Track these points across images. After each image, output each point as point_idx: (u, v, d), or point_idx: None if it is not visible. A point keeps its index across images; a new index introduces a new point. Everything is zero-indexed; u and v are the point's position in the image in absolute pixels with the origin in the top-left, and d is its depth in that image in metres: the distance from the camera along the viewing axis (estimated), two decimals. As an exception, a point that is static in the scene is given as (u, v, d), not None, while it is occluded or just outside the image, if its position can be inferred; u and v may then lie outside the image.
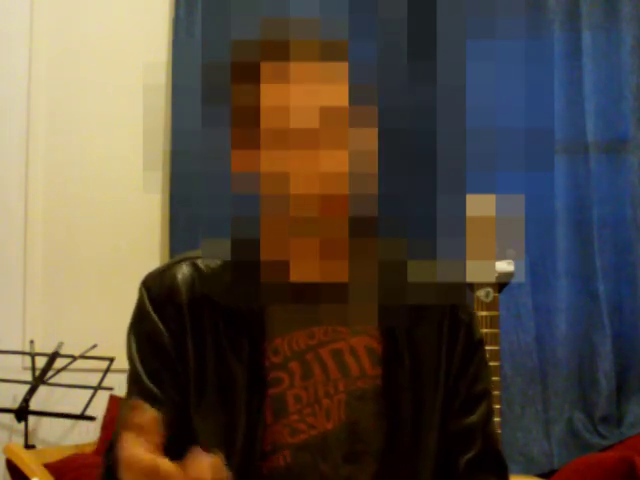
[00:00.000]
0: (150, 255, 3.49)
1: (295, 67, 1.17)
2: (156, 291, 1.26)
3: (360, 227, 1.18)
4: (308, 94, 1.17)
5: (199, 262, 1.28)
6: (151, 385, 1.23)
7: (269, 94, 1.17)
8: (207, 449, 1.00)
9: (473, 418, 1.27)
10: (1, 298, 3.56)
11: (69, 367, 3.26)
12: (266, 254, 1.20)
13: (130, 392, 1.25)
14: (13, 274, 3.56)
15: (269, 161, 1.16)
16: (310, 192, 1.15)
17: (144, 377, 1.23)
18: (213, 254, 1.28)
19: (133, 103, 3.01)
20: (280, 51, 1.16)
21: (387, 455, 1.22)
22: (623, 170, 3.18)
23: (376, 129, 1.20)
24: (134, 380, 1.24)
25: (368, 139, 1.18)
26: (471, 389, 1.28)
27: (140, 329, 1.26)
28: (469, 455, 1.27)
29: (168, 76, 3.36)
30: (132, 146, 2.98)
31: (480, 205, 2.05)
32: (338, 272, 1.21)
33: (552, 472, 2.99)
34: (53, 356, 3.31)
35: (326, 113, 1.17)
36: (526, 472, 3.02)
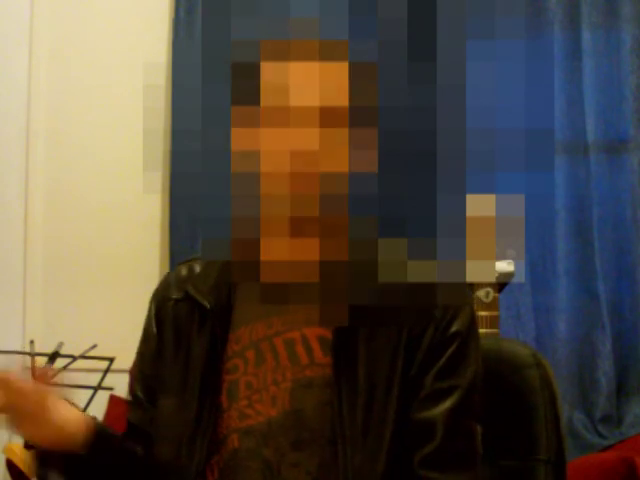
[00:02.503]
0: (150, 255, 3.49)
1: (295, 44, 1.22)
2: (157, 294, 1.39)
3: (330, 205, 1.22)
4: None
5: (197, 263, 1.37)
6: (140, 395, 1.36)
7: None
8: (164, 431, 1.26)
9: (433, 412, 1.22)
10: (1, 298, 3.55)
11: (69, 367, 3.26)
12: (237, 234, 1.25)
13: (130, 389, 1.40)
14: (13, 274, 3.56)
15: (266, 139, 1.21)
16: (281, 170, 1.20)
17: (137, 385, 1.37)
18: (212, 254, 1.32)
19: (133, 103, 3.00)
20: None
21: (335, 444, 1.21)
22: (623, 170, 3.18)
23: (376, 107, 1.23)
24: (134, 378, 1.39)
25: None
26: (437, 383, 1.23)
27: (143, 332, 1.39)
28: (424, 451, 1.22)
29: (168, 76, 3.35)
30: (132, 146, 2.97)
31: (480, 205, 2.04)
32: (308, 250, 1.24)
33: (552, 472, 2.98)
34: (53, 356, 3.31)
35: (325, 96, 1.21)
36: (526, 472, 3.01)
